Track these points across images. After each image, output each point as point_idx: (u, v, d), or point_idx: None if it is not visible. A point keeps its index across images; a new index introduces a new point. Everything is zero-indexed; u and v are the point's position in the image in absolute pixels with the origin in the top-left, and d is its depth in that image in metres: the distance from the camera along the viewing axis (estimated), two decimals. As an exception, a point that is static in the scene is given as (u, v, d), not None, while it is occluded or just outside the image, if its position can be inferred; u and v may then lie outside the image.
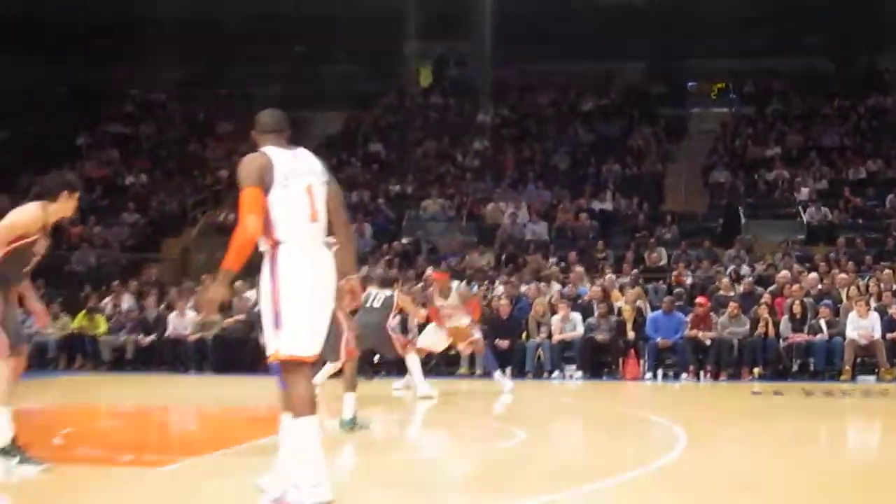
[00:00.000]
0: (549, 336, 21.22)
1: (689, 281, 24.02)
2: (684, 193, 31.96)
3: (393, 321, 15.95)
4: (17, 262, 8.57)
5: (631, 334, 21.10)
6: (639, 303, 22.12)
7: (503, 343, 20.91)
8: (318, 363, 10.66)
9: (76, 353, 23.01)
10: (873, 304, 20.78)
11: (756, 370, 20.36)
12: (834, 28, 36.75)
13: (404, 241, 28.11)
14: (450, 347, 18.24)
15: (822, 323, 20.50)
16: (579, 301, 22.37)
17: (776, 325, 20.75)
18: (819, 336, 20.40)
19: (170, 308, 23.72)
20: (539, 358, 21.10)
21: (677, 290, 22.80)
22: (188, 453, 9.57)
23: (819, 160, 31.27)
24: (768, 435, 12.83)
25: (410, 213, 30.47)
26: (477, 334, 17.09)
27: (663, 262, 26.61)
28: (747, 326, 20.76)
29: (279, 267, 6.92)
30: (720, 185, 31.35)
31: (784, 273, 22.83)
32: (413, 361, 15.98)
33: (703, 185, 32.01)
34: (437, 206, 30.91)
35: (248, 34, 38.93)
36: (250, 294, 23.33)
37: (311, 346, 6.98)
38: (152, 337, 23.01)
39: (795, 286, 21.63)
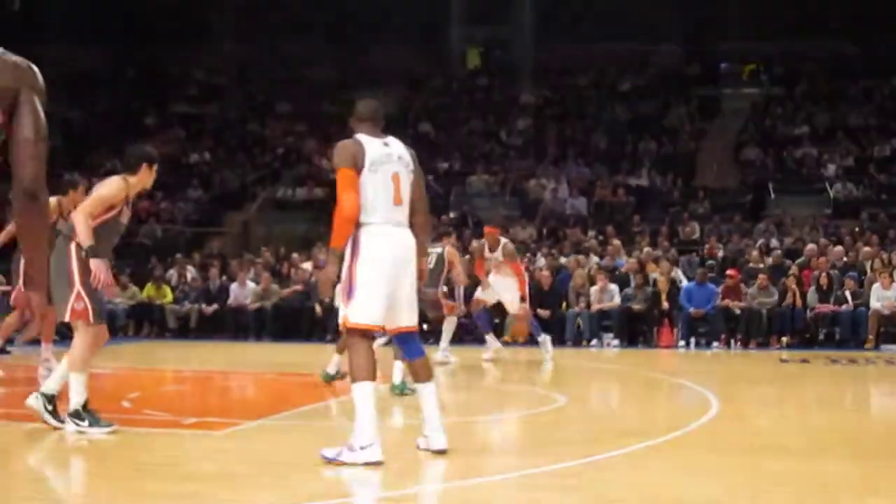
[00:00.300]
0: (588, 306, 21.21)
1: (720, 253, 23.92)
2: (716, 170, 31.77)
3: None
4: (107, 234, 8.67)
5: (665, 304, 21.04)
6: (673, 274, 22.04)
7: (544, 312, 20.91)
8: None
9: (143, 321, 23.17)
10: (896, 275, 20.64)
11: (784, 339, 20.29)
12: (858, 12, 36.34)
13: (451, 215, 28.09)
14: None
15: (848, 294, 20.38)
16: (616, 272, 22.35)
17: (803, 295, 20.67)
18: (844, 306, 20.29)
19: (231, 279, 23.85)
20: (578, 327, 21.11)
21: (709, 262, 22.75)
22: (248, 416, 9.60)
23: (845, 138, 31.02)
24: (795, 400, 12.77)
25: (457, 189, 30.49)
26: (520, 304, 16.31)
27: (696, 235, 26.50)
28: (776, 297, 20.68)
29: (360, 246, 7.21)
30: (750, 162, 31.17)
31: (811, 246, 22.70)
32: (450, 324, 15.71)
33: (735, 162, 31.85)
34: (483, 182, 30.92)
35: (304, 19, 38.97)
36: (307, 265, 23.48)
37: (375, 317, 7.25)
38: (215, 306, 23.14)
39: (822, 259, 21.51)
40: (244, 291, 22.97)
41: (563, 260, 23.50)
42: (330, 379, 12.35)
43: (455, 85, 38.97)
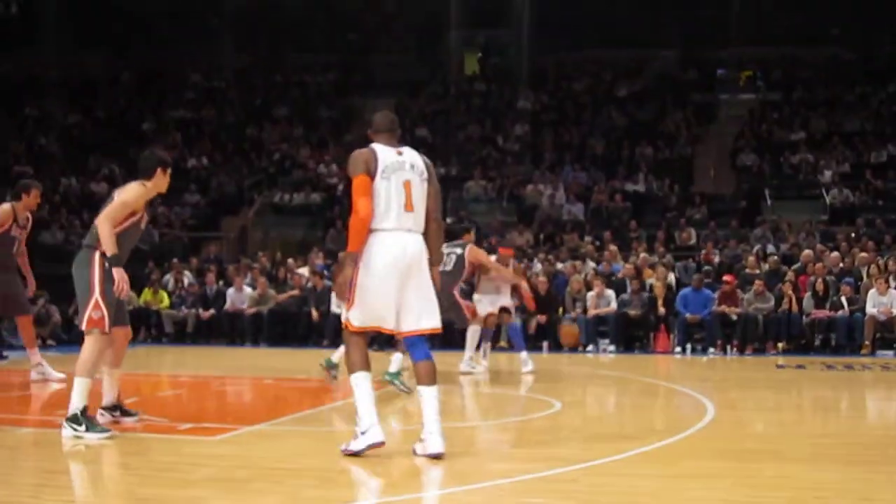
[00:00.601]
0: (585, 311, 21.26)
1: (717, 259, 23.99)
2: (713, 176, 31.84)
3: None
4: (128, 240, 8.89)
5: (662, 310, 21.10)
6: (669, 279, 22.09)
7: (541, 318, 20.98)
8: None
9: (140, 326, 23.17)
10: (892, 281, 20.67)
11: (780, 344, 20.34)
12: (856, 18, 36.44)
13: (448, 220, 28.13)
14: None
15: (844, 300, 20.43)
16: (613, 278, 22.40)
17: (800, 301, 20.71)
18: (840, 312, 20.33)
19: (228, 284, 23.85)
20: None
21: (706, 267, 22.76)
22: (245, 422, 9.61)
23: (842, 144, 31.07)
24: (792, 406, 12.79)
25: (454, 195, 30.49)
26: (508, 302, 15.63)
27: (693, 241, 26.56)
28: (772, 303, 20.73)
29: (367, 251, 7.53)
30: (747, 167, 31.21)
31: (807, 252, 22.74)
32: (473, 334, 14.89)
33: (731, 168, 31.90)
34: (480, 187, 30.96)
35: (303, 24, 39.05)
36: (303, 270, 23.50)
37: (372, 320, 7.63)
38: (212, 311, 23.15)
39: (818, 264, 21.56)
40: (241, 296, 22.98)
41: (559, 265, 23.55)
42: (331, 365, 12.73)
43: (453, 90, 39.02)
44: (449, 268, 14.09)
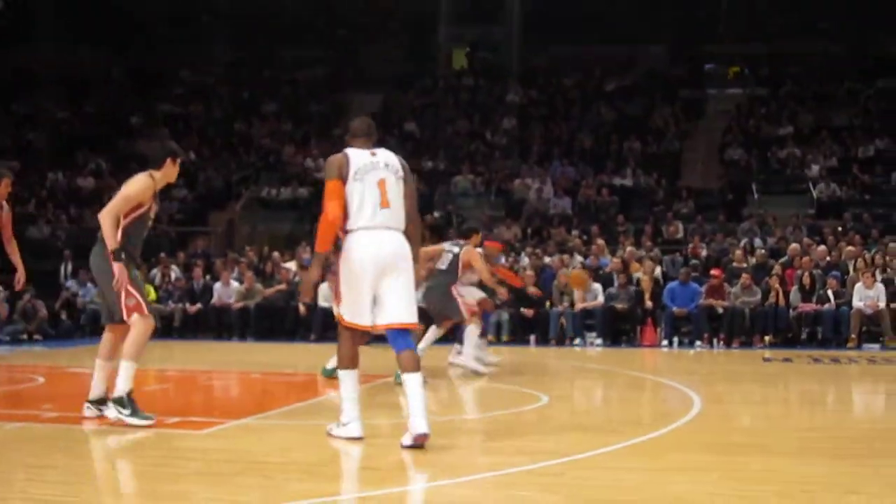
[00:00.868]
0: (572, 305, 21.28)
1: (704, 253, 24.01)
2: (701, 170, 31.86)
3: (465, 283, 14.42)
4: (139, 231, 8.99)
5: (649, 303, 21.15)
6: (656, 273, 22.13)
7: (529, 311, 21.02)
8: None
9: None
10: (879, 275, 20.75)
11: (767, 338, 20.39)
12: (847, 14, 36.49)
13: (436, 214, 28.10)
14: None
15: (830, 293, 20.48)
16: (600, 272, 22.41)
17: (786, 295, 20.77)
18: (827, 306, 20.39)
19: (215, 278, 23.83)
20: (562, 326, 21.18)
21: (693, 261, 22.82)
22: (232, 416, 9.60)
23: (829, 139, 31.11)
24: (778, 399, 12.83)
25: (442, 189, 30.48)
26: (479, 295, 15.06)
27: (680, 235, 26.58)
28: (759, 296, 20.78)
29: (348, 249, 7.86)
30: (735, 162, 31.22)
31: (794, 246, 22.80)
32: (471, 333, 14.37)
33: (719, 163, 31.91)
34: (468, 181, 30.95)
35: (295, 19, 39.01)
36: (290, 265, 23.49)
37: (365, 318, 7.89)
38: (199, 305, 23.12)
39: (805, 258, 21.60)
40: (228, 291, 22.97)
41: (547, 259, 23.57)
42: (330, 374, 12.48)
43: (441, 84, 39.00)
44: (444, 266, 14.05)
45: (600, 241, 24.37)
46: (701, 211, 28.10)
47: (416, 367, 7.83)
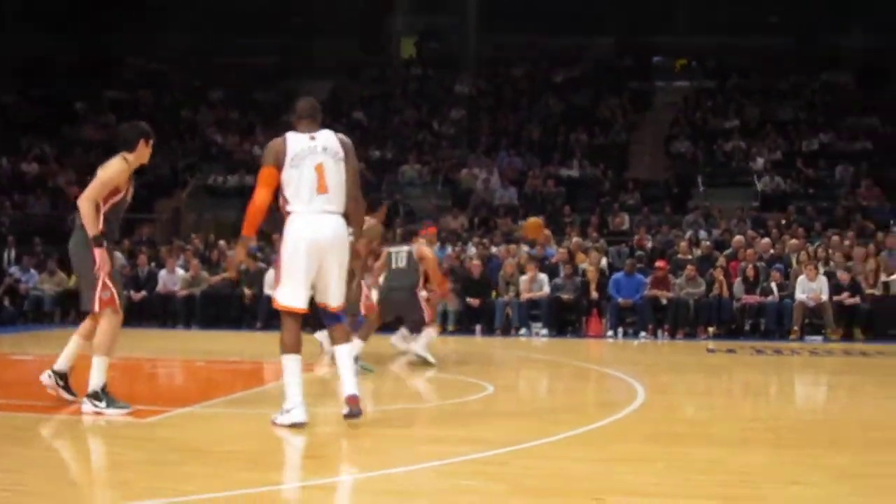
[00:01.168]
0: (518, 295, 21.32)
1: (649, 244, 24.11)
2: (647, 162, 32.00)
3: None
4: (117, 215, 9.04)
5: (594, 294, 21.20)
6: (602, 264, 22.21)
7: (474, 301, 21.04)
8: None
9: (70, 308, 22.93)
10: (821, 268, 20.93)
11: (711, 329, 20.53)
12: (794, 7, 36.77)
13: (383, 203, 28.02)
14: None
15: (774, 285, 20.64)
16: (546, 262, 22.44)
17: (730, 286, 20.92)
18: (770, 298, 20.55)
19: (160, 265, 23.66)
20: (508, 316, 21.20)
21: (638, 252, 22.90)
22: (177, 404, 9.53)
23: (774, 132, 31.34)
24: (722, 390, 12.92)
25: (389, 178, 30.45)
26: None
27: (626, 226, 26.69)
28: (703, 288, 20.92)
29: (286, 234, 8.06)
30: (681, 154, 31.38)
31: (739, 238, 22.95)
32: (427, 335, 14.14)
33: (665, 155, 32.07)
34: (415, 171, 30.92)
35: (244, 7, 38.77)
36: (232, 253, 23.36)
37: (300, 300, 8.10)
38: (143, 293, 22.93)
39: (749, 250, 21.77)
40: (173, 278, 22.82)
41: (493, 249, 23.60)
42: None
43: (389, 74, 38.93)
44: (403, 265, 14.06)
45: (546, 232, 24.41)
46: (647, 202, 28.25)
47: (346, 339, 8.31)
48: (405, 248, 14.27)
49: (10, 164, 32.00)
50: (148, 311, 22.85)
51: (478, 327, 21.11)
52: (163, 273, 23.00)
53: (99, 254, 8.67)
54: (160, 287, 22.84)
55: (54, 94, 36.69)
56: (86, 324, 9.23)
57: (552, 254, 22.97)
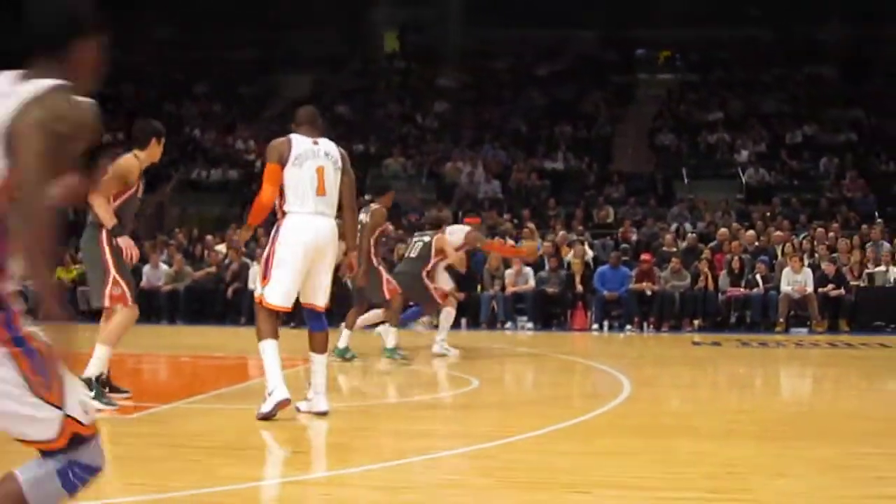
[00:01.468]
0: (503, 289, 21.31)
1: (634, 237, 24.15)
2: (631, 155, 32.03)
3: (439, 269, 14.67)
4: (128, 211, 9.13)
5: (579, 287, 21.23)
6: (587, 257, 22.22)
7: (459, 295, 21.01)
8: (363, 307, 13.71)
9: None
10: (806, 260, 20.97)
11: (696, 322, 20.56)
12: (776, 0, 36.83)
13: (367, 197, 28.03)
14: None
15: (759, 278, 20.67)
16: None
17: (715, 279, 20.95)
18: (755, 290, 20.58)
19: (144, 260, 23.58)
20: (493, 309, 21.20)
21: (623, 245, 22.91)
22: (162, 399, 9.53)
23: (758, 125, 31.41)
24: (707, 382, 12.96)
25: (373, 172, 30.40)
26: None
27: (611, 219, 26.70)
28: (688, 280, 20.94)
29: (280, 233, 8.21)
30: (665, 147, 31.43)
31: (723, 230, 22.97)
32: (447, 316, 14.64)
33: (649, 147, 32.10)
34: (399, 164, 30.89)
35: (226, 1, 38.66)
36: (221, 247, 23.33)
37: (287, 299, 8.32)
38: (127, 288, 22.85)
39: (734, 243, 21.81)
40: (157, 273, 22.76)
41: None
42: (341, 355, 13.10)
43: (372, 67, 38.90)
44: (413, 254, 14.38)
45: (531, 225, 24.41)
46: (631, 195, 28.27)
47: (325, 348, 8.50)
48: (426, 237, 14.51)
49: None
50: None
51: (463, 321, 21.11)
52: (146, 268, 22.92)
53: (122, 241, 8.82)
54: (144, 282, 22.72)
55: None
56: (104, 325, 9.25)
57: (538, 248, 22.98)
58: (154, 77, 38.09)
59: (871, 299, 20.51)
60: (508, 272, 21.36)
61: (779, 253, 21.87)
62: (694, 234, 23.54)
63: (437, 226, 14.93)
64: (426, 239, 14.41)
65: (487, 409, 9.61)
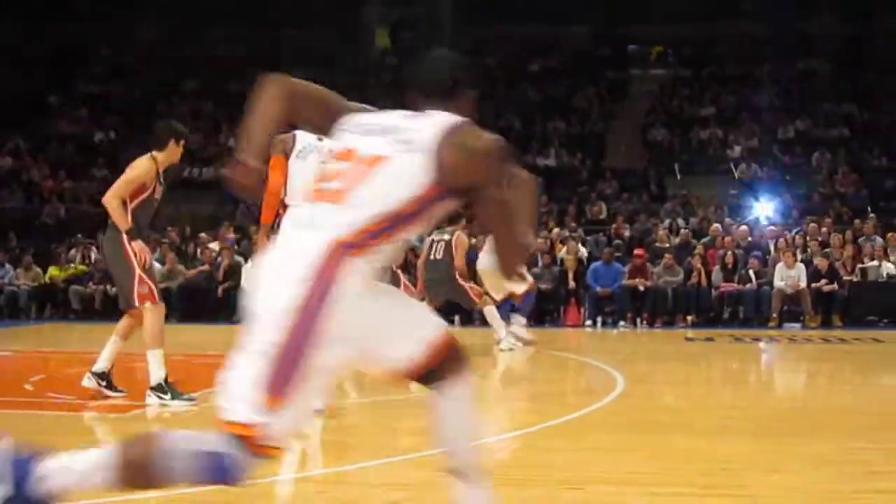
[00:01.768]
0: (497, 286, 21.28)
1: (627, 233, 24.14)
2: (624, 151, 32.03)
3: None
4: (145, 213, 9.16)
5: (572, 283, 21.22)
6: (580, 253, 22.23)
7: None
8: None
9: (46, 303, 22.85)
10: (799, 255, 20.99)
11: (689, 317, 20.57)
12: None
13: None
14: None
15: (752, 273, 20.69)
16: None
17: (708, 275, 20.97)
18: (748, 285, 20.61)
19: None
20: (486, 306, 21.17)
21: (616, 241, 22.93)
22: (153, 397, 9.51)
23: (750, 120, 31.43)
24: (701, 378, 12.96)
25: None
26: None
27: (604, 215, 26.70)
28: (681, 276, 20.95)
29: (283, 227, 7.77)
30: (658, 142, 31.44)
31: (716, 226, 22.97)
32: (490, 312, 15.06)
33: (642, 143, 32.11)
34: (390, 162, 30.84)
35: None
36: (214, 245, 23.30)
37: None
38: (119, 286, 22.83)
39: (727, 238, 21.81)
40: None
41: (472, 241, 23.55)
42: None
43: (363, 64, 38.85)
44: (440, 256, 14.59)
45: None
46: (624, 191, 28.28)
47: None
48: (446, 235, 14.66)
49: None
50: (125, 305, 22.74)
51: (456, 318, 21.08)
52: (138, 267, 22.90)
53: (136, 245, 8.84)
54: (136, 281, 22.74)
55: (24, 86, 36.46)
56: (123, 322, 9.34)
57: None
58: (143, 75, 37.98)
59: (863, 294, 20.54)
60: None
61: (772, 248, 21.90)
62: (687, 230, 23.57)
63: (452, 221, 14.94)
64: (446, 237, 14.47)
65: (481, 405, 9.60)
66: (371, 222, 3.80)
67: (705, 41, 37.04)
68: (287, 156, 8.25)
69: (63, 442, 7.42)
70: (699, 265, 20.97)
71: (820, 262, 20.63)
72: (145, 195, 9.05)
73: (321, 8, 38.23)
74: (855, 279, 20.74)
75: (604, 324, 20.73)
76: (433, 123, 4.06)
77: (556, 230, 23.68)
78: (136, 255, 8.85)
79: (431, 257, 14.47)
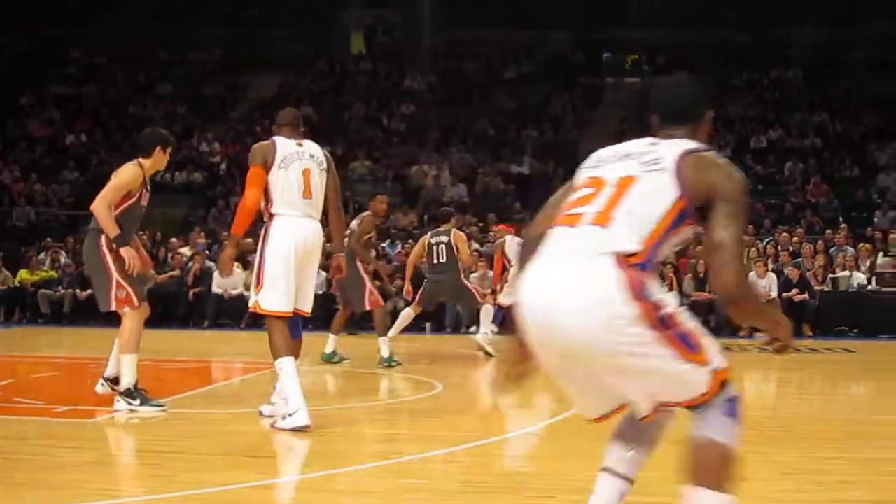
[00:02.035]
0: (468, 293, 21.28)
1: (600, 241, 24.13)
2: (598, 159, 32.09)
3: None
4: (130, 219, 9.08)
5: (545, 291, 21.20)
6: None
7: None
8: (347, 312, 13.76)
9: (15, 307, 22.73)
10: (771, 265, 21.06)
11: (662, 326, 20.55)
12: (749, 4, 37.02)
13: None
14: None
15: (724, 282, 20.71)
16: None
17: (680, 283, 20.99)
18: (720, 295, 20.63)
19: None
20: (458, 313, 21.17)
21: (589, 250, 22.92)
22: (123, 403, 9.48)
23: (724, 129, 31.55)
24: (672, 387, 12.98)
25: (339, 174, 30.30)
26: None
27: (577, 223, 26.69)
28: (654, 285, 20.95)
29: (269, 236, 8.04)
30: (631, 151, 31.52)
31: (687, 235, 23.02)
32: (487, 312, 15.15)
33: (616, 152, 32.17)
34: (365, 167, 30.87)
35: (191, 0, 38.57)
36: (185, 250, 23.25)
37: (284, 304, 7.99)
38: (89, 291, 22.74)
39: (699, 247, 21.86)
40: (119, 276, 22.65)
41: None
42: (329, 359, 13.27)
43: (338, 69, 38.86)
44: (444, 259, 14.48)
45: (497, 228, 24.44)
46: (598, 199, 28.32)
47: (297, 356, 8.21)
48: (443, 237, 14.55)
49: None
50: (94, 309, 22.55)
51: (427, 325, 21.09)
52: (108, 271, 22.82)
53: (124, 252, 8.78)
54: (106, 285, 22.66)
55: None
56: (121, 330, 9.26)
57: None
58: (117, 78, 37.88)
59: (834, 304, 20.64)
60: (474, 276, 21.30)
61: (743, 258, 21.98)
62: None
63: (446, 220, 14.99)
64: (444, 239, 14.52)
65: (451, 413, 9.61)
66: (639, 236, 4.01)
67: (683, 49, 37.16)
68: (267, 166, 8.06)
69: (31, 447, 7.40)
70: (671, 274, 21.01)
71: (791, 272, 20.72)
72: (131, 201, 9.04)
73: (296, 11, 38.24)
74: (826, 289, 20.84)
75: (577, 331, 20.71)
76: (676, 144, 4.37)
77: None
78: (125, 262, 8.80)
79: (435, 261, 14.47)
